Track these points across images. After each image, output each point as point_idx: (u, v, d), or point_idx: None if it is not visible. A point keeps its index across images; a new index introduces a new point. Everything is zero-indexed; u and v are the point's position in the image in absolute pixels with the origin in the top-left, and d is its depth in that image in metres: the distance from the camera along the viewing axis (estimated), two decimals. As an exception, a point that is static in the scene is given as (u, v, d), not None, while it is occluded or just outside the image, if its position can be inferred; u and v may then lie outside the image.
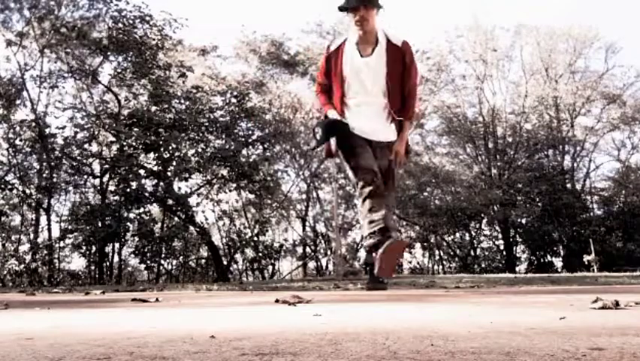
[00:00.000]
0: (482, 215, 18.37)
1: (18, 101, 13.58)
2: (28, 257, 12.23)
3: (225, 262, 14.36)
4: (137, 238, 12.67)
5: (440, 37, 20.43)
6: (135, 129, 12.10)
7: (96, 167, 14.00)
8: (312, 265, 18.24)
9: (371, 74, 3.54)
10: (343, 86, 3.60)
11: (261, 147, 13.61)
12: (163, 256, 13.80)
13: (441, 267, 19.17)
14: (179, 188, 13.28)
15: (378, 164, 3.55)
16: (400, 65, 3.55)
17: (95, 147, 13.60)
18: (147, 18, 12.85)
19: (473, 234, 19.38)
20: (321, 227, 18.66)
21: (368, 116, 3.59)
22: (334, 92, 3.67)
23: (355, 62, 3.55)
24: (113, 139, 12.69)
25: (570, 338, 1.14)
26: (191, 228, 13.78)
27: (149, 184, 12.79)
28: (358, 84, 3.58)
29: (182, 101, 12.97)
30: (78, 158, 13.17)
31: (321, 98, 3.79)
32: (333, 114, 3.64)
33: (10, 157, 13.12)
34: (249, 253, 13.91)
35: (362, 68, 3.54)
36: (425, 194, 18.98)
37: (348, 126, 3.56)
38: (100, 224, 12.05)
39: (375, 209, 3.36)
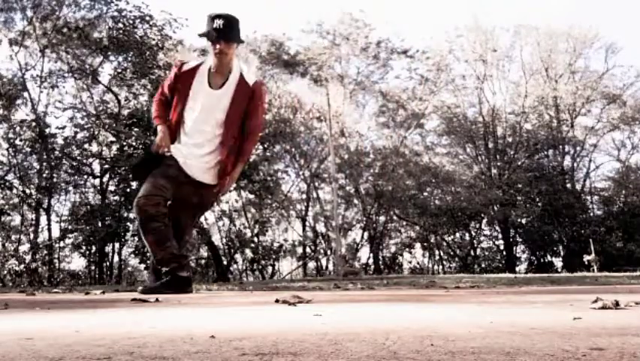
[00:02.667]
0: (482, 215, 18.37)
1: (18, 101, 13.58)
2: (28, 257, 12.23)
3: (225, 262, 14.36)
4: (137, 238, 12.67)
5: (440, 37, 20.44)
6: (135, 129, 12.10)
7: (96, 167, 14.00)
8: (312, 265, 18.24)
9: (214, 106, 3.49)
10: (184, 113, 3.53)
11: (261, 147, 13.61)
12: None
13: (441, 267, 19.17)
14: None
15: (186, 195, 3.51)
16: (246, 103, 3.51)
17: (95, 147, 13.59)
18: (147, 18, 12.85)
19: (473, 234, 19.39)
20: (321, 227, 18.67)
21: (196, 154, 3.51)
22: (173, 113, 3.58)
23: (203, 91, 3.51)
24: (113, 139, 12.69)
25: (570, 338, 1.14)
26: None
27: (149, 184, 12.79)
28: (199, 115, 3.50)
29: (182, 101, 12.97)
30: (78, 158, 13.17)
31: (158, 106, 3.68)
32: (161, 130, 3.55)
33: (10, 157, 13.12)
34: (249, 253, 13.91)
35: (208, 99, 3.49)
36: (425, 194, 18.98)
37: (163, 161, 3.49)
38: (100, 224, 12.05)
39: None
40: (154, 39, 13.04)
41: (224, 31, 3.42)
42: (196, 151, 3.51)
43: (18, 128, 12.84)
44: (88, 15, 13.26)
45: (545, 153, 19.90)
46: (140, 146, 12.18)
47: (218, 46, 3.45)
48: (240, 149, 3.57)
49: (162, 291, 3.30)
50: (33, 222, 14.18)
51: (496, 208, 18.06)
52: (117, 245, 13.52)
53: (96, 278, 12.63)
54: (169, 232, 3.41)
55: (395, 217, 19.29)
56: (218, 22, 3.41)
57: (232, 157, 3.55)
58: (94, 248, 12.76)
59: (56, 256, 13.24)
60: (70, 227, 12.74)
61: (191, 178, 3.51)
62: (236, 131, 3.53)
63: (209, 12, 3.47)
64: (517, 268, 17.90)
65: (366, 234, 18.66)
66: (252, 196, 14.92)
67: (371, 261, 18.36)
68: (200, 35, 3.54)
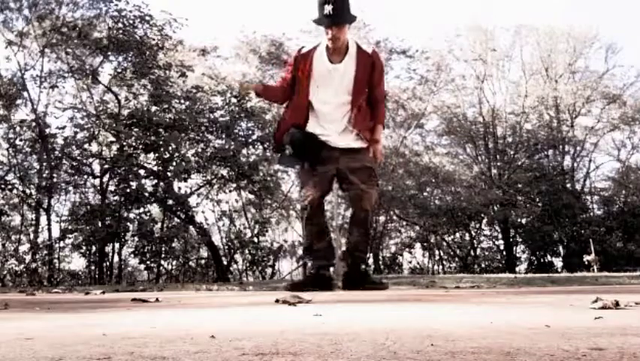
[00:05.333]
0: (482, 215, 18.36)
1: (18, 101, 13.58)
2: (28, 257, 12.23)
3: (225, 262, 14.36)
4: (137, 238, 12.67)
5: (440, 37, 20.44)
6: (135, 129, 12.09)
7: (96, 167, 14.00)
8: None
9: (339, 80, 3.63)
10: (310, 91, 3.67)
11: (260, 147, 13.59)
12: (163, 256, 13.79)
13: (441, 267, 19.17)
14: (179, 188, 13.27)
15: (345, 166, 3.64)
16: (369, 71, 3.65)
17: (95, 147, 13.59)
18: (147, 18, 12.84)
19: (473, 234, 19.38)
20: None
21: (330, 130, 3.66)
22: (300, 95, 3.71)
23: (325, 66, 3.64)
24: (113, 139, 12.69)
25: (570, 338, 1.14)
26: (191, 228, 13.77)
27: (148, 184, 12.79)
28: (325, 89, 3.65)
29: (182, 101, 12.96)
30: (78, 158, 13.16)
31: (277, 92, 3.89)
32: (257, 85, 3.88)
33: (10, 157, 13.12)
34: (249, 253, 13.90)
35: (331, 73, 3.63)
36: (425, 194, 18.97)
37: (317, 139, 3.65)
38: (100, 224, 12.05)
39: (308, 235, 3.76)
40: (154, 39, 13.03)
41: (334, 16, 3.48)
42: (331, 127, 3.66)
43: (18, 128, 12.84)
44: (87, 14, 13.26)
45: (545, 153, 19.90)
46: (140, 146, 12.18)
47: (330, 32, 3.52)
48: (375, 114, 3.76)
49: (308, 288, 3.50)
50: (33, 222, 14.18)
51: (496, 208, 18.06)
52: (117, 245, 13.52)
53: (96, 278, 12.62)
54: (328, 227, 3.76)
55: (395, 217, 19.29)
56: (328, 9, 3.46)
57: (369, 122, 3.72)
58: (94, 248, 12.75)
59: (56, 256, 13.23)
60: (70, 227, 12.74)
61: (342, 149, 3.65)
62: (364, 102, 3.69)
63: None
64: (517, 268, 17.89)
65: (366, 234, 18.65)
66: (251, 196, 14.91)
67: (371, 261, 18.36)
68: (314, 21, 3.66)
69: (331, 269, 3.78)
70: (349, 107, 3.62)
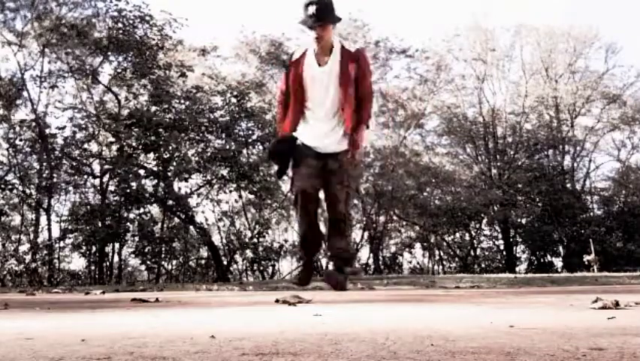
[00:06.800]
0: (482, 215, 18.36)
1: (18, 101, 13.58)
2: (28, 257, 12.23)
3: (225, 263, 14.36)
4: (137, 239, 12.67)
5: (439, 37, 20.40)
6: (135, 129, 12.09)
7: (96, 167, 14.00)
8: (312, 265, 18.21)
9: (327, 81, 3.73)
10: (302, 95, 3.78)
11: (260, 147, 13.60)
12: (163, 256, 13.79)
13: (441, 267, 19.17)
14: (179, 188, 13.28)
15: (330, 168, 3.72)
16: (353, 69, 3.73)
17: (94, 147, 13.59)
18: (147, 18, 12.84)
19: (473, 234, 19.38)
20: (321, 227, 18.65)
21: (322, 128, 3.76)
22: (292, 102, 3.83)
23: (313, 71, 3.75)
24: (113, 139, 12.69)
25: (570, 338, 1.14)
26: (192, 228, 13.77)
27: (149, 184, 12.79)
28: (316, 93, 3.76)
29: (182, 101, 12.96)
30: (78, 158, 13.16)
31: (281, 110, 3.97)
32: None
33: (10, 157, 13.11)
34: (249, 253, 13.91)
35: (320, 77, 3.74)
36: (425, 194, 18.97)
37: (296, 142, 3.75)
38: (100, 224, 12.05)
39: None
40: (154, 39, 13.03)
41: (319, 16, 3.60)
42: (324, 127, 3.75)
43: (18, 129, 12.84)
44: (86, 13, 13.26)
45: (545, 153, 19.90)
46: (140, 146, 12.18)
47: (315, 32, 3.64)
48: (360, 112, 3.78)
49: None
50: (33, 222, 14.18)
51: (496, 208, 18.06)
52: (117, 245, 13.52)
53: (96, 278, 12.63)
54: (319, 227, 3.79)
55: (395, 217, 19.29)
56: (312, 9, 3.60)
57: (355, 121, 3.76)
58: (94, 248, 12.76)
59: (56, 256, 13.23)
60: (70, 227, 12.74)
61: (327, 153, 3.73)
62: (353, 99, 3.75)
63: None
64: (517, 268, 17.89)
65: (366, 234, 18.67)
66: (252, 197, 14.91)
67: (371, 261, 18.36)
68: (300, 23, 3.75)
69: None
70: (338, 105, 3.73)
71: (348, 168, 3.77)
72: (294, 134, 3.75)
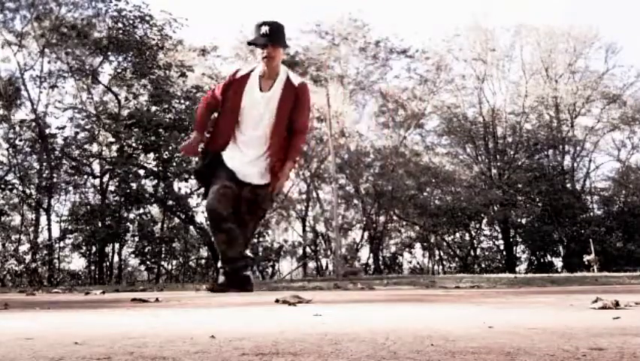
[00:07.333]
0: (482, 215, 18.37)
1: (18, 101, 13.58)
2: (28, 257, 12.23)
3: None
4: (137, 239, 12.68)
5: (439, 37, 20.41)
6: (135, 129, 12.10)
7: (96, 167, 14.00)
8: (312, 265, 18.24)
9: (263, 108, 3.68)
10: (237, 115, 3.72)
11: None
12: (163, 256, 13.79)
13: (441, 267, 19.18)
14: (179, 188, 13.28)
15: (245, 197, 3.69)
16: (292, 103, 3.69)
17: (95, 147, 13.59)
18: (147, 18, 12.85)
19: (473, 234, 19.39)
20: (321, 227, 18.66)
21: (248, 154, 3.71)
22: (223, 118, 3.77)
23: (254, 95, 3.69)
24: (113, 139, 12.69)
25: (570, 338, 1.14)
26: (192, 228, 13.77)
27: (149, 184, 12.79)
28: (250, 117, 3.70)
29: (182, 101, 12.97)
30: (78, 158, 13.16)
31: (201, 116, 3.93)
32: (193, 137, 3.94)
33: (10, 157, 13.12)
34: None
35: (259, 101, 3.69)
36: (425, 194, 18.97)
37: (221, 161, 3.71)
38: (100, 224, 12.05)
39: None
40: (154, 39, 13.04)
41: (271, 37, 3.59)
42: (250, 154, 3.70)
43: (18, 129, 12.84)
44: (86, 13, 13.26)
45: (545, 153, 19.90)
46: (140, 146, 12.18)
47: (265, 50, 3.61)
48: (288, 147, 3.74)
49: (227, 289, 3.52)
50: (33, 222, 14.19)
51: (496, 208, 18.06)
52: (117, 245, 13.52)
53: (96, 278, 12.63)
54: (238, 233, 3.63)
55: (395, 217, 19.29)
56: (265, 29, 3.59)
57: (282, 156, 3.72)
58: (94, 248, 12.76)
59: (56, 256, 13.24)
60: (70, 227, 12.75)
61: (247, 182, 3.68)
62: (285, 132, 3.71)
63: (255, 21, 3.67)
64: (517, 268, 17.90)
65: (366, 234, 18.67)
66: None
67: (371, 261, 18.36)
68: (249, 43, 3.77)
69: (249, 271, 3.72)
70: (269, 135, 3.68)
71: (264, 202, 3.79)
72: (222, 153, 3.70)
